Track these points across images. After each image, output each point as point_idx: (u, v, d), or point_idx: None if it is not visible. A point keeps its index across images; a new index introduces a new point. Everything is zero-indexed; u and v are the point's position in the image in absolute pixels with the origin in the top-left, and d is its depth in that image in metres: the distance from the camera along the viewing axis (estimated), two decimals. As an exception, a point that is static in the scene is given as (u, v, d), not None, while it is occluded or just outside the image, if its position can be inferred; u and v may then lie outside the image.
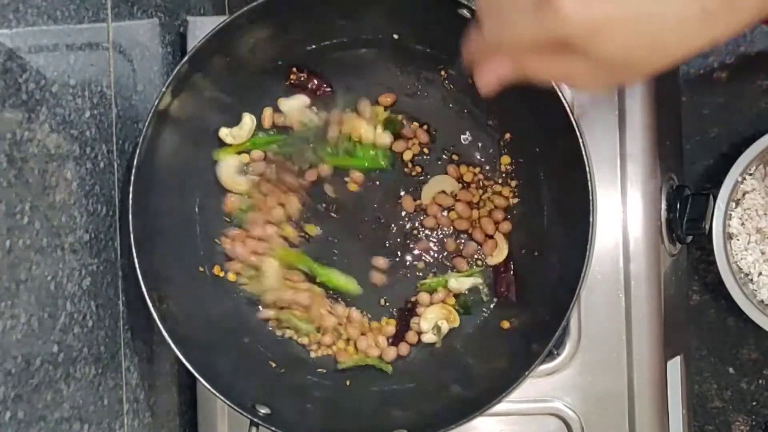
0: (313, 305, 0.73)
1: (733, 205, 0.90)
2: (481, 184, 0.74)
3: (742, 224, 0.90)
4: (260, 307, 0.74)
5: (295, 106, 0.74)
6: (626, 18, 0.43)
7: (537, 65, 0.48)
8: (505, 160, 0.74)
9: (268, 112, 0.74)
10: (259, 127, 0.74)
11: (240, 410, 0.65)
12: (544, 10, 0.43)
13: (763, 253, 0.90)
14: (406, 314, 0.74)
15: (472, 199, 0.74)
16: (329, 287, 0.74)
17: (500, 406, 0.64)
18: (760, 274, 0.90)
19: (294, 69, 0.74)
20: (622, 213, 0.73)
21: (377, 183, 0.75)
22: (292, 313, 0.74)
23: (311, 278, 0.75)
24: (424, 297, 0.74)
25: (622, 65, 0.45)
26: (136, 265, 0.64)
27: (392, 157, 0.75)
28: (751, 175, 0.90)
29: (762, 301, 0.89)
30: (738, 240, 0.90)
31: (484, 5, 0.48)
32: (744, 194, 0.90)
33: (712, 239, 0.86)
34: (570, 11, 0.43)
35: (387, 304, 0.75)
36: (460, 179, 0.74)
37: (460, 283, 0.74)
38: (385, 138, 0.74)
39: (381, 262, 0.74)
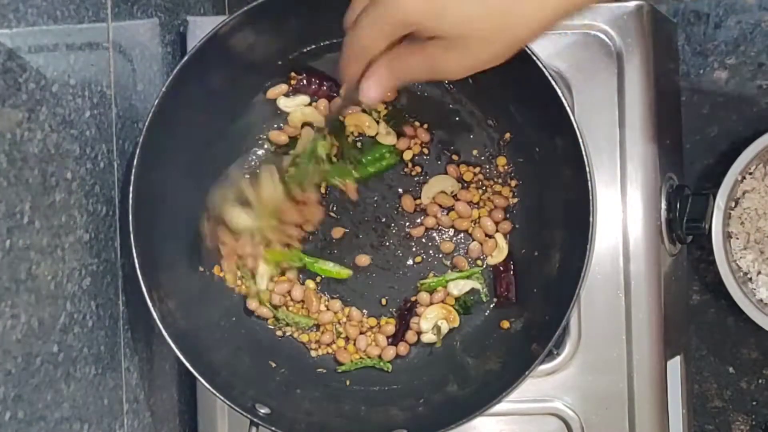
0: (307, 300, 0.74)
1: (733, 204, 0.90)
2: (481, 183, 0.74)
3: (742, 223, 0.90)
4: (254, 306, 0.74)
5: (295, 105, 0.74)
6: None
7: (409, 63, 0.51)
8: (501, 161, 0.74)
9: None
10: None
11: (240, 410, 0.65)
12: (380, 4, 0.48)
13: (762, 253, 0.90)
14: (405, 314, 0.74)
15: (472, 198, 0.74)
16: (321, 275, 0.75)
17: (500, 406, 0.64)
18: (759, 273, 0.90)
19: (293, 73, 0.74)
20: (622, 213, 0.73)
21: (377, 183, 0.75)
22: (289, 310, 0.74)
23: (304, 276, 0.75)
24: (424, 297, 0.74)
25: (476, 39, 0.49)
26: (136, 265, 0.64)
27: (397, 154, 0.75)
28: (750, 174, 0.90)
29: (761, 300, 0.89)
30: (737, 239, 0.90)
31: (346, 23, 0.53)
32: (744, 193, 0.90)
33: (712, 238, 0.86)
34: None
35: (387, 303, 0.75)
36: (460, 179, 0.74)
37: (460, 284, 0.74)
38: (389, 137, 0.74)
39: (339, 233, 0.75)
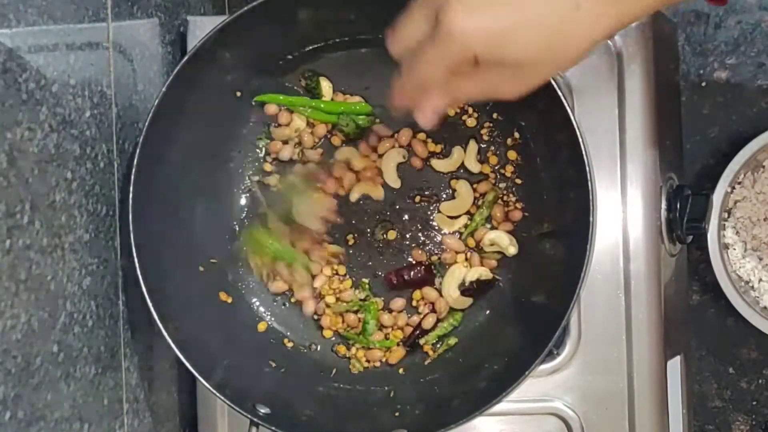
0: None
1: (726, 215, 0.90)
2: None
3: (737, 233, 0.90)
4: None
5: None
6: (524, 21, 0.48)
7: (464, 88, 0.52)
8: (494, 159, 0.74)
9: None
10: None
11: (240, 410, 0.65)
12: (440, 37, 0.48)
13: (761, 260, 0.90)
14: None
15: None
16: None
17: (500, 406, 0.64)
18: (760, 280, 0.90)
19: None
20: (622, 213, 0.73)
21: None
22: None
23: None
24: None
25: (534, 64, 0.50)
26: (136, 265, 0.64)
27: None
28: (740, 184, 0.90)
29: (765, 308, 0.89)
30: (734, 249, 0.90)
31: (395, 52, 0.53)
32: (735, 203, 0.90)
33: (708, 249, 0.86)
34: (461, 30, 0.48)
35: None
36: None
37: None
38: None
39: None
